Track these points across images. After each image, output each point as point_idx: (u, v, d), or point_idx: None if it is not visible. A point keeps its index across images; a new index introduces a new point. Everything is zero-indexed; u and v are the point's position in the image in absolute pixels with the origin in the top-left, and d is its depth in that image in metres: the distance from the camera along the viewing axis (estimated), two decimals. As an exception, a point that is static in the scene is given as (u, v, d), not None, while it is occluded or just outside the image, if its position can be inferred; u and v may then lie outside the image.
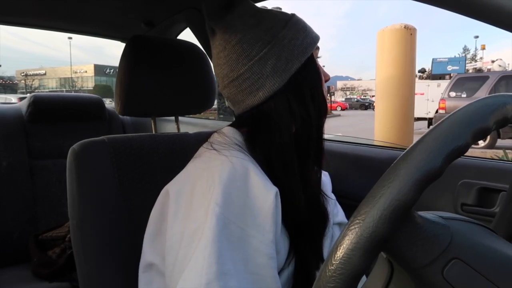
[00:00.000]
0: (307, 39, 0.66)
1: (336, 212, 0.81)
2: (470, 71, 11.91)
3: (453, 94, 8.53)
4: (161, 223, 0.62)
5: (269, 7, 0.79)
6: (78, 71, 59.77)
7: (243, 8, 0.67)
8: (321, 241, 0.71)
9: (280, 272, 0.61)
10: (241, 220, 0.55)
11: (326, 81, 0.72)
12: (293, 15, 0.69)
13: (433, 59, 14.08)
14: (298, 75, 0.64)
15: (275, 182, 0.60)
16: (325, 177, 0.83)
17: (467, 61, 15.69)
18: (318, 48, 0.70)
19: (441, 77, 12.91)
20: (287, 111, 0.64)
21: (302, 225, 0.64)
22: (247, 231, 0.55)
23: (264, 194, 0.56)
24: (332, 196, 0.83)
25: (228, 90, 0.67)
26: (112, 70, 56.04)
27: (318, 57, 0.71)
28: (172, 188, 0.61)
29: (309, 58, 0.66)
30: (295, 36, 0.65)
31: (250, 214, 0.55)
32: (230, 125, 0.70)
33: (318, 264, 0.69)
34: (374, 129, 5.34)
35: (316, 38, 0.68)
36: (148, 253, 0.64)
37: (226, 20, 0.66)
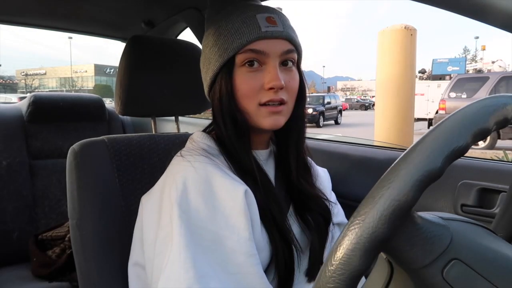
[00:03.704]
0: (225, 45, 0.63)
1: (336, 212, 0.80)
2: (470, 71, 11.90)
3: (453, 94, 8.52)
4: (142, 233, 0.63)
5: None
6: (78, 70, 59.80)
7: (222, 12, 0.68)
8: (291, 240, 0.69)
9: (267, 271, 0.61)
10: (212, 223, 0.55)
11: (271, 88, 0.61)
12: (237, 14, 0.64)
13: (433, 59, 14.07)
14: (216, 85, 0.66)
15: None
16: (324, 174, 0.83)
17: (467, 62, 15.66)
18: (254, 50, 0.62)
19: (441, 77, 12.91)
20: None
21: (279, 225, 0.63)
22: (220, 233, 0.55)
23: (232, 195, 0.57)
24: (333, 195, 0.82)
25: None
26: (112, 70, 56.07)
27: (248, 62, 0.62)
28: (144, 199, 0.64)
29: (226, 65, 0.63)
30: (216, 42, 0.65)
31: (222, 216, 0.56)
32: (203, 130, 0.71)
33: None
34: (374, 130, 5.34)
35: (237, 42, 0.61)
36: (139, 256, 0.64)
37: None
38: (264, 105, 0.63)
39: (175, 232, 0.53)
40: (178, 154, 0.65)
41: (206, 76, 0.68)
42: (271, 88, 0.62)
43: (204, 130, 0.71)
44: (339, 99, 19.19)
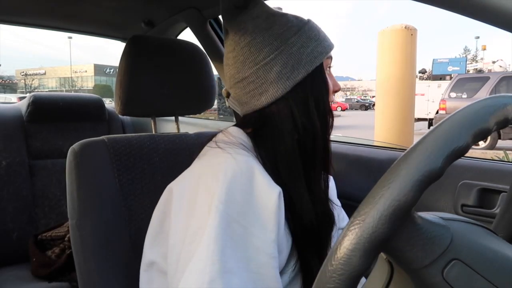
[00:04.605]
0: (318, 48, 0.66)
1: (342, 217, 0.80)
2: (471, 71, 11.90)
3: (453, 94, 8.52)
4: (164, 221, 0.62)
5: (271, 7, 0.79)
6: (78, 70, 59.78)
7: (257, 10, 0.67)
8: (326, 245, 0.70)
9: (282, 273, 0.61)
10: (244, 218, 0.55)
11: (336, 91, 0.71)
12: (308, 21, 0.68)
13: (433, 59, 14.07)
14: (303, 84, 0.64)
15: (280, 184, 0.60)
16: (330, 182, 0.83)
17: (467, 62, 15.65)
18: (331, 57, 0.69)
19: (441, 77, 12.90)
20: (289, 119, 0.64)
21: (308, 229, 0.64)
22: (250, 230, 0.54)
23: (268, 193, 0.57)
24: (338, 201, 0.82)
25: (234, 91, 0.69)
26: (112, 70, 56.04)
27: (329, 67, 0.70)
28: (176, 186, 0.62)
29: (318, 67, 0.66)
30: (305, 44, 0.65)
31: (253, 212, 0.55)
32: (235, 125, 0.70)
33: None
34: (374, 130, 5.34)
35: (328, 48, 0.68)
36: (149, 252, 0.64)
37: (238, 21, 0.67)
38: None
39: (209, 223, 0.52)
40: (213, 145, 0.64)
41: (292, 75, 0.64)
42: (336, 91, 0.71)
43: (239, 125, 0.70)
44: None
